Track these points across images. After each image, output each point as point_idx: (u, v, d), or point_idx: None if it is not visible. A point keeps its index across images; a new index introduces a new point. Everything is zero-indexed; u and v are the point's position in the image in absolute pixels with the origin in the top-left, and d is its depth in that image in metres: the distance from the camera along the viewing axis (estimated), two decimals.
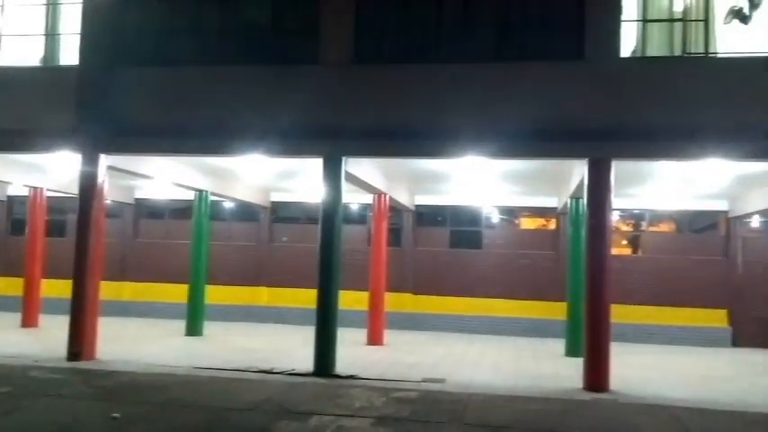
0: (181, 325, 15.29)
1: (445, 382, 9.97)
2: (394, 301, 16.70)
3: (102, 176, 11.26)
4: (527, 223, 18.98)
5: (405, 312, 17.41)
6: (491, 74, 10.34)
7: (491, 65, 10.44)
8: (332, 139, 10.47)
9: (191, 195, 15.57)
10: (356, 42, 10.81)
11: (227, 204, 18.92)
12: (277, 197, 18.80)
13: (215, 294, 16.97)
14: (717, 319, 16.27)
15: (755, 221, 16.79)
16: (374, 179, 12.83)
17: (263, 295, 18.63)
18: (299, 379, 9.83)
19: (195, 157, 12.60)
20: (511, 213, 18.67)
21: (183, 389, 8.88)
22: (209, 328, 15.41)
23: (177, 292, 16.83)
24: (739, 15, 10.09)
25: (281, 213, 19.29)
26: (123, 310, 18.45)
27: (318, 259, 10.64)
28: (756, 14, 10.03)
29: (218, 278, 17.72)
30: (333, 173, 10.62)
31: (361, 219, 18.55)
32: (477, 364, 12.15)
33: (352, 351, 12.56)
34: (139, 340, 13.97)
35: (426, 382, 9.98)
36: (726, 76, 9.68)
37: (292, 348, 13.00)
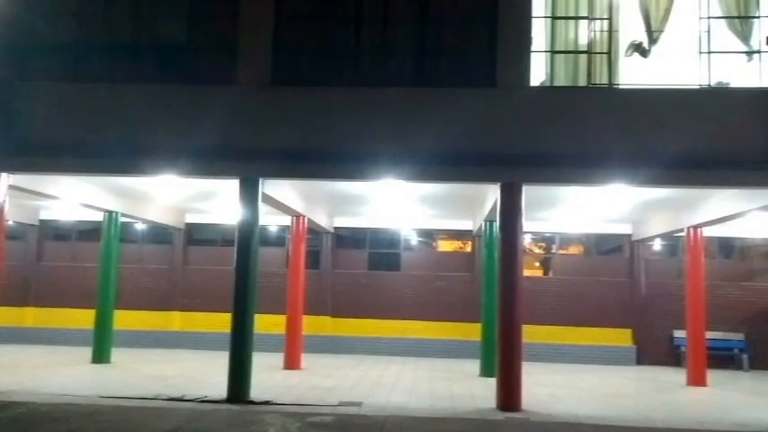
0: (87, 352, 14.56)
1: (362, 406, 9.93)
2: (312, 325, 16.56)
3: (3, 196, 10.68)
4: (444, 245, 19.33)
5: (323, 336, 17.27)
6: (408, 98, 10.52)
7: (408, 89, 10.63)
8: (249, 160, 10.36)
9: (100, 216, 14.96)
10: (274, 63, 10.79)
11: (139, 226, 18.30)
12: (192, 219, 18.35)
13: (124, 319, 16.28)
14: (622, 338, 16.99)
15: (657, 244, 17.72)
16: (292, 201, 12.75)
17: (175, 320, 18.05)
18: (212, 406, 9.54)
19: (105, 176, 12.14)
20: (429, 236, 18.96)
21: (85, 420, 8.44)
22: (117, 354, 14.75)
23: (84, 318, 16.06)
24: (639, 49, 10.72)
25: (197, 235, 18.82)
26: (25, 337, 17.44)
27: (234, 282, 10.43)
28: (655, 49, 10.66)
29: (128, 303, 17.04)
30: (249, 194, 10.49)
31: (279, 241, 18.36)
32: (395, 387, 12.17)
33: (268, 376, 12.35)
34: (42, 368, 13.21)
35: (343, 405, 9.90)
36: (628, 105, 10.22)
37: (206, 375, 12.63)
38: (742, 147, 9.88)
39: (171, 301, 18.12)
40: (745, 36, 10.42)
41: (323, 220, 16.26)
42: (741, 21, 10.39)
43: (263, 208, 10.94)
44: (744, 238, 17.02)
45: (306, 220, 14.61)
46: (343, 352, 16.92)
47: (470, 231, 17.71)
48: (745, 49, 10.48)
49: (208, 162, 10.44)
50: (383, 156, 10.26)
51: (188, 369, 13.78)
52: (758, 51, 10.40)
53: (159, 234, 18.64)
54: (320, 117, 10.53)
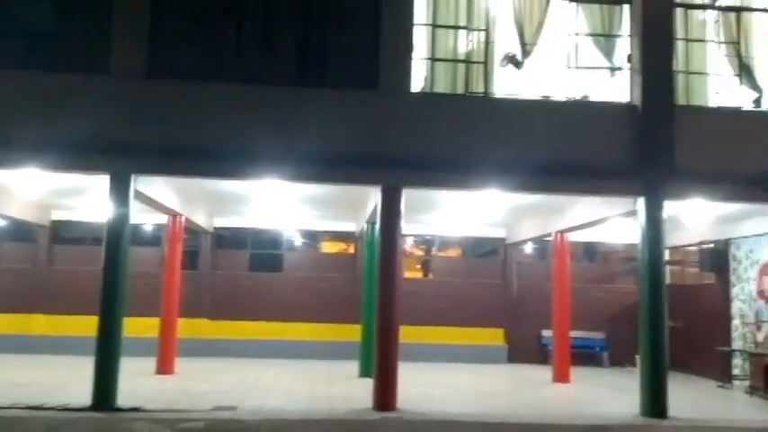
0: None
1: (237, 410, 9.72)
2: (188, 328, 16.00)
3: None
4: (328, 247, 19.33)
5: (200, 339, 16.71)
6: (291, 97, 10.41)
7: (291, 89, 10.53)
8: (120, 156, 9.87)
9: None
10: (151, 55, 10.37)
11: None
12: (58, 216, 17.22)
13: None
14: (495, 337, 17.69)
15: (528, 248, 18.62)
16: (168, 199, 12.26)
17: (38, 323, 16.85)
18: (74, 414, 9.00)
19: None
20: (312, 237, 18.89)
21: None
22: None
23: None
24: (513, 61, 11.22)
25: (63, 233, 17.69)
26: None
27: (102, 283, 9.90)
28: (528, 61, 11.19)
29: None
30: (120, 191, 9.98)
31: (155, 240, 17.62)
32: (272, 390, 12.01)
33: (138, 381, 11.82)
34: None
35: (217, 410, 9.65)
36: (502, 114, 10.67)
37: (70, 381, 11.89)
38: (605, 157, 10.57)
39: (34, 304, 16.90)
40: (608, 53, 11.15)
41: (202, 220, 15.78)
42: (605, 39, 11.11)
43: (136, 206, 10.47)
44: (606, 244, 18.25)
45: (183, 219, 14.12)
46: (221, 355, 16.45)
47: (353, 233, 17.82)
48: (608, 65, 11.21)
49: (76, 156, 9.85)
50: (264, 155, 10.11)
51: (51, 375, 12.89)
52: (620, 68, 11.16)
53: (21, 231, 17.34)
54: (199, 113, 10.23)
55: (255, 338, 17.11)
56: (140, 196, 10.67)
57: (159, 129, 10.09)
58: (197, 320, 16.90)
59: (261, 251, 18.31)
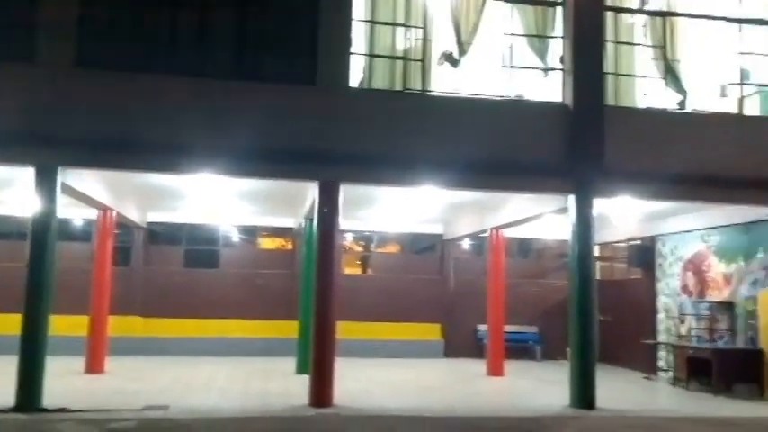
0: None
1: (169, 409, 9.50)
2: (120, 325, 15.54)
3: None
4: (266, 243, 19.14)
5: (132, 337, 16.26)
6: (227, 91, 10.22)
7: (227, 82, 10.34)
8: (46, 148, 9.50)
9: None
10: (80, 43, 10.00)
11: None
12: None
13: None
14: (432, 332, 17.90)
15: (465, 244, 18.90)
16: (97, 193, 11.85)
17: None
18: None
19: None
20: (250, 233, 18.66)
21: None
22: None
23: None
24: (450, 59, 11.35)
25: None
26: None
27: (27, 280, 9.51)
28: (464, 60, 11.33)
29: None
30: (46, 184, 9.60)
31: (85, 235, 17.05)
32: (207, 388, 11.81)
33: (66, 381, 11.46)
34: None
35: (148, 409, 9.41)
36: (438, 111, 10.77)
37: None
38: (538, 155, 10.82)
39: None
40: (542, 54, 11.40)
41: (134, 214, 15.35)
42: (539, 40, 11.36)
43: (64, 200, 10.13)
44: (540, 240, 18.70)
45: (114, 214, 13.69)
46: (154, 353, 16.03)
47: (292, 229, 17.70)
48: (542, 65, 11.47)
49: None
50: (198, 148, 9.91)
51: None
52: (553, 69, 11.43)
53: None
54: (130, 104, 9.93)
55: (190, 336, 16.78)
56: (68, 190, 10.30)
57: (88, 120, 9.76)
58: (129, 318, 16.46)
59: (196, 247, 18.01)
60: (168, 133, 9.89)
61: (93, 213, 13.99)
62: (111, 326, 14.00)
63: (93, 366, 13.10)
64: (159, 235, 17.87)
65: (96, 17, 10.21)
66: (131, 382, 12.14)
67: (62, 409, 9.11)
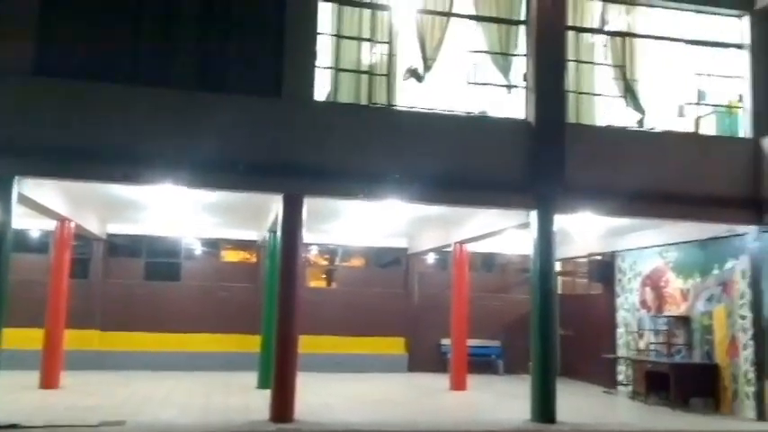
0: None
1: (125, 425, 9.29)
2: (77, 339, 15.15)
3: None
4: (229, 256, 18.93)
5: (90, 351, 15.91)
6: (191, 102, 10.15)
7: (191, 93, 10.26)
8: (2, 157, 9.29)
9: None
10: (39, 51, 9.85)
11: None
12: None
13: None
14: (396, 346, 17.88)
15: (430, 258, 18.97)
16: (55, 204, 11.61)
17: None
18: None
19: None
20: (213, 245, 18.44)
21: None
22: None
23: None
24: (415, 75, 11.46)
25: None
26: None
27: None
28: (429, 75, 11.43)
29: None
30: (2, 194, 9.37)
31: (42, 247, 16.63)
32: (166, 403, 11.59)
33: (19, 396, 11.17)
34: None
35: (104, 425, 9.19)
36: (403, 126, 10.83)
37: None
38: (501, 171, 10.95)
39: None
40: (505, 71, 11.58)
41: (93, 226, 15.05)
42: (503, 57, 11.53)
43: (20, 210, 9.90)
44: (503, 255, 18.87)
45: (72, 225, 13.41)
46: (112, 368, 15.68)
47: (255, 242, 17.55)
48: (505, 82, 11.64)
49: None
50: (161, 159, 9.78)
51: None
52: (516, 86, 11.61)
53: None
54: (91, 114, 9.78)
55: (150, 350, 16.48)
56: (25, 200, 10.07)
57: (47, 129, 9.59)
58: (87, 332, 16.09)
59: (157, 259, 17.72)
60: (130, 143, 9.76)
61: (50, 224, 13.69)
62: (68, 340, 13.67)
63: (48, 381, 12.74)
64: (119, 247, 17.55)
65: (56, 25, 10.07)
66: (87, 397, 11.85)
67: (13, 426, 8.83)
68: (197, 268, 17.97)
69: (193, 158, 9.84)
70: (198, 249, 18.28)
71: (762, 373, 11.37)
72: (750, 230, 11.69)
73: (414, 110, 11.28)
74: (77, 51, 10.15)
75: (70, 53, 10.11)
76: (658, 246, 14.12)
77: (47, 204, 11.14)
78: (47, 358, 12.90)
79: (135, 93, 10.00)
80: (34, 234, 16.49)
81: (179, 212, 14.39)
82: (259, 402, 11.07)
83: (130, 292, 16.97)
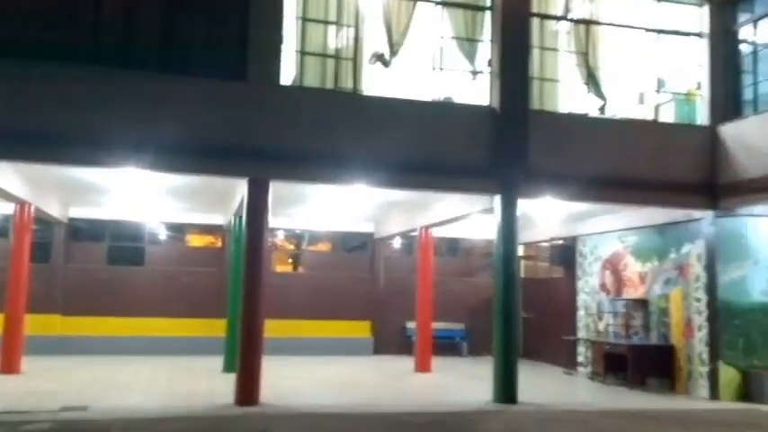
0: None
1: (87, 409, 9.24)
2: (38, 324, 14.89)
3: None
4: (195, 240, 18.78)
5: (51, 336, 15.70)
6: (154, 84, 9.99)
7: (154, 75, 10.11)
8: None
9: None
10: None
11: None
12: None
13: None
14: (362, 329, 18.00)
15: (396, 243, 19.09)
16: (14, 186, 11.37)
17: None
18: None
19: None
20: (178, 230, 18.27)
21: None
22: None
23: None
24: (381, 59, 11.46)
25: None
26: None
27: None
28: (395, 60, 11.45)
29: None
30: None
31: (2, 231, 16.29)
32: (129, 387, 11.54)
33: None
34: None
35: (66, 410, 9.12)
36: (369, 111, 10.85)
37: None
38: (466, 156, 11.06)
39: None
40: (471, 57, 11.66)
41: (54, 210, 14.79)
42: (468, 43, 11.60)
43: None
44: (468, 239, 19.08)
45: (32, 209, 13.17)
46: (75, 353, 15.49)
47: (221, 226, 17.44)
48: (470, 68, 11.72)
49: None
50: (122, 142, 9.65)
51: None
52: (481, 72, 11.70)
53: None
54: (50, 95, 9.53)
55: (114, 335, 16.35)
56: None
57: (2, 111, 9.36)
58: (48, 316, 15.88)
59: (120, 244, 17.52)
60: (90, 126, 9.60)
61: (9, 208, 13.41)
62: (29, 324, 13.44)
63: (8, 366, 12.54)
64: (81, 231, 17.27)
65: (11, 3, 9.79)
66: (48, 382, 11.73)
67: None
68: (161, 252, 17.81)
69: (156, 142, 9.73)
70: (162, 234, 18.09)
71: (715, 353, 11.76)
72: (706, 215, 12.02)
73: (380, 95, 11.29)
74: (34, 31, 9.86)
75: (27, 33, 9.83)
76: (618, 230, 14.43)
77: (5, 187, 10.92)
78: (7, 343, 12.70)
79: (95, 73, 9.77)
80: None
81: (142, 196, 14.23)
82: (224, 386, 11.07)
83: (93, 277, 16.76)
